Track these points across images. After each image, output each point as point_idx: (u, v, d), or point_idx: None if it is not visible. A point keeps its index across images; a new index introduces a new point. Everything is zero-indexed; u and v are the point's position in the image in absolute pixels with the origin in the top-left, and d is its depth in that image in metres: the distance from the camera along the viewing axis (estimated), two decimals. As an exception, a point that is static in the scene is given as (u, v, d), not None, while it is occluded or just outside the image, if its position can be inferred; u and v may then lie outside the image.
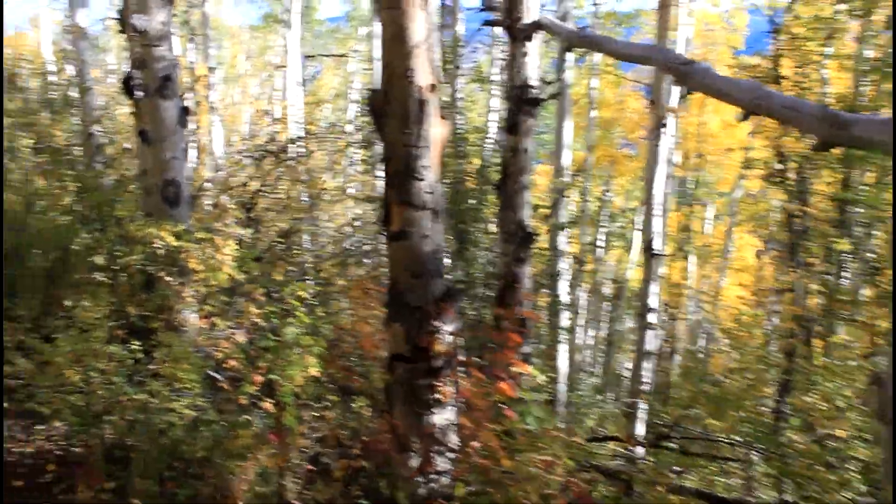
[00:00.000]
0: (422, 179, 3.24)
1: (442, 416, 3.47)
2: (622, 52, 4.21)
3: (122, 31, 6.68)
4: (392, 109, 3.24)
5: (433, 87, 3.27)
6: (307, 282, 6.37)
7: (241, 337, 5.09)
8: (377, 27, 11.74)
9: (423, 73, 3.22)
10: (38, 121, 13.47)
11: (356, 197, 9.75)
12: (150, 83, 5.58)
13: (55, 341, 4.48)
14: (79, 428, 4.30)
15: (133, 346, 4.91)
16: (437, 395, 3.41)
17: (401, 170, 3.23)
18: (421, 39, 3.21)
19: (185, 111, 5.77)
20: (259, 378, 4.09)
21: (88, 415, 4.26)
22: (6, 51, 21.30)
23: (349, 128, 13.84)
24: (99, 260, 5.36)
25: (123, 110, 12.69)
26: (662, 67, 3.68)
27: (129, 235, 5.44)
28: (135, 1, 5.59)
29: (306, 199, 8.70)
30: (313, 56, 20.66)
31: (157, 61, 5.51)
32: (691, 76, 2.91)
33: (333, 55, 22.42)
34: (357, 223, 9.04)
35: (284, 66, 14.65)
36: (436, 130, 3.29)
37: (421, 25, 3.20)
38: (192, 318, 5.49)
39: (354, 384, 4.98)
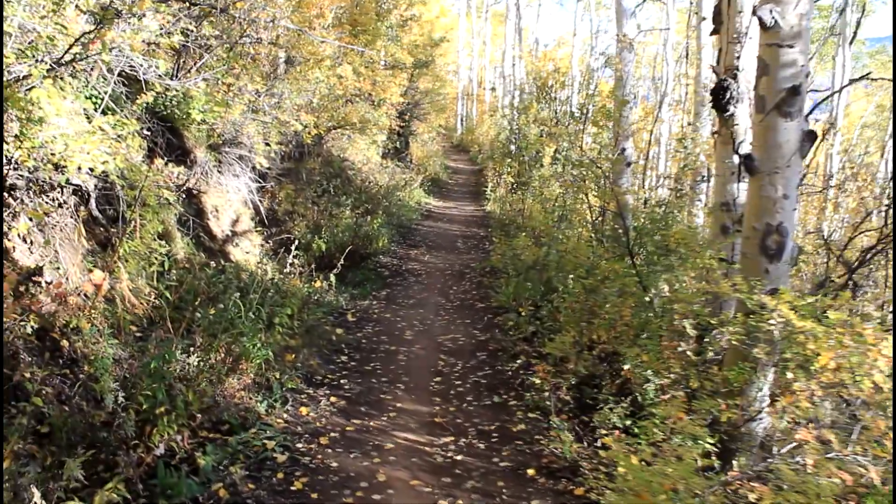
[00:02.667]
0: None
1: None
2: None
3: (715, 32, 5.40)
4: None
5: None
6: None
7: (874, 474, 3.33)
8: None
9: None
10: (563, 131, 13.23)
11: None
12: (768, 96, 4.17)
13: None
14: None
15: (707, 444, 3.52)
16: None
17: None
18: None
19: (811, 136, 4.19)
20: None
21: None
22: (540, 64, 22.42)
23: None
24: (688, 327, 4.04)
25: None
26: None
27: (721, 294, 4.01)
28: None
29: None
30: (861, 79, 17.75)
31: (784, 67, 4.10)
32: None
33: (882, 78, 19.20)
34: None
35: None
36: None
37: None
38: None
39: None
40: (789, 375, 3.80)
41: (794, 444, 3.80)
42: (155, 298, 6.01)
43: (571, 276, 7.01)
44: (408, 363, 6.45)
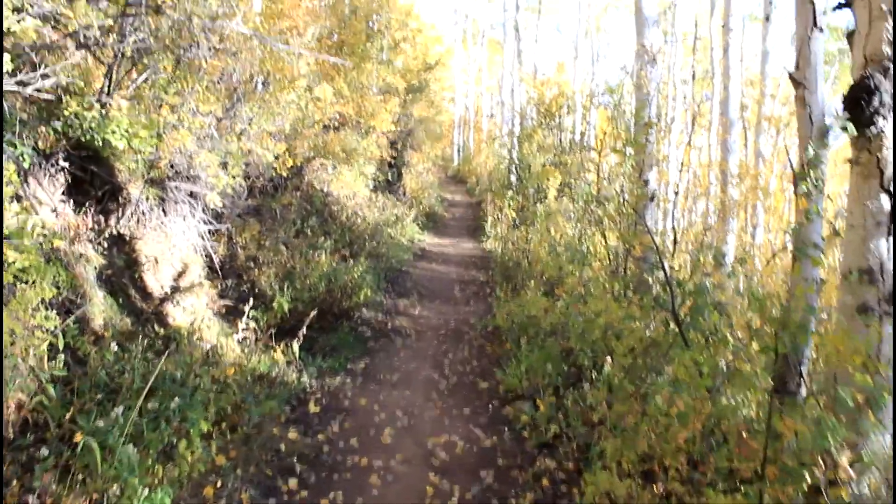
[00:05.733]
0: None
1: None
2: None
3: (845, 5, 3.62)
4: None
5: None
6: None
7: None
8: None
9: None
10: (574, 160, 11.63)
11: None
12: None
13: None
14: None
15: None
16: None
17: None
18: None
19: None
20: None
21: None
22: (543, 88, 20.74)
23: None
24: None
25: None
26: None
27: None
28: None
29: None
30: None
31: None
32: None
33: None
34: None
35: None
36: None
37: None
38: None
39: None
40: None
41: None
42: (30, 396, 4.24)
43: (609, 356, 5.19)
44: (383, 491, 4.51)
